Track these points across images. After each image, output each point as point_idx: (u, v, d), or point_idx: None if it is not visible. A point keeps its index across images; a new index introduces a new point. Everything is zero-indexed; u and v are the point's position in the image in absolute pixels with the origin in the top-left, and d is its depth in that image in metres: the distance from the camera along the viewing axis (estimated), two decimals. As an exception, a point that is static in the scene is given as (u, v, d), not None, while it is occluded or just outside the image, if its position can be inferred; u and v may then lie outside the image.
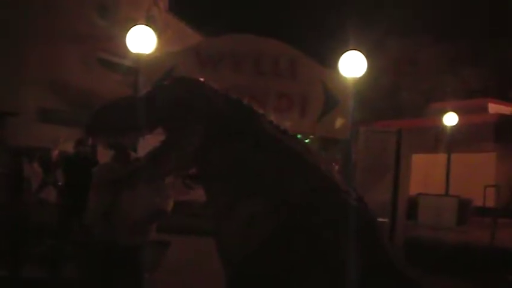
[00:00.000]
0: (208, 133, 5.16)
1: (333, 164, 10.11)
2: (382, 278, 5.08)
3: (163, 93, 5.20)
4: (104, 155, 8.87)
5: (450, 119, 22.68)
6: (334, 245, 5.00)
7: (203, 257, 8.21)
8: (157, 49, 10.50)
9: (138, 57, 10.29)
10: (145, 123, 5.09)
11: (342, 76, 10.83)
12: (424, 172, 22.49)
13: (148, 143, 5.27)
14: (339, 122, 10.88)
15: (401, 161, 11.73)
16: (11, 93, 21.16)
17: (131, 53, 10.38)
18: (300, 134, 11.36)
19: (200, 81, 5.34)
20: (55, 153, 15.19)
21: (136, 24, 10.71)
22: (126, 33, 10.36)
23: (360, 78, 11.03)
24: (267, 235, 5.05)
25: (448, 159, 21.10)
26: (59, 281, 10.98)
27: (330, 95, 10.78)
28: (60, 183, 12.07)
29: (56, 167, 13.36)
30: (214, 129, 5.18)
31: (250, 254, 5.07)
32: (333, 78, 10.88)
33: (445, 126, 22.68)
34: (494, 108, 33.49)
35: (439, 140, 24.67)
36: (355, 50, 10.99)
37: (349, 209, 5.11)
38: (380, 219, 5.68)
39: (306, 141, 12.77)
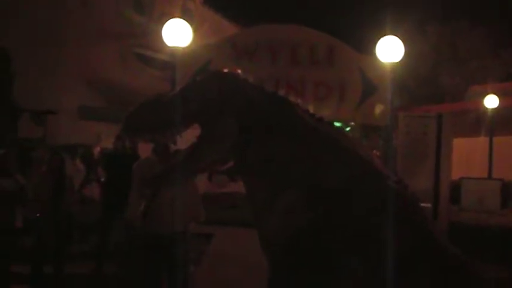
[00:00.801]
0: (244, 127, 5.18)
1: (374, 151, 10.05)
2: (428, 259, 5.08)
3: (198, 88, 5.22)
4: (145, 150, 8.92)
5: (491, 102, 22.36)
6: (377, 229, 5.00)
7: (245, 248, 8.22)
8: (193, 42, 10.48)
9: (174, 51, 10.29)
10: (180, 120, 5.11)
11: (379, 62, 10.73)
12: (466, 156, 22.24)
13: (187, 135, 5.28)
14: (378, 109, 10.79)
15: (443, 146, 11.61)
16: (51, 92, 21.35)
17: (167, 47, 10.38)
18: (339, 121, 11.32)
19: (234, 74, 5.35)
20: (97, 150, 15.33)
21: (172, 18, 10.70)
22: (162, 28, 10.37)
23: (398, 63, 10.93)
24: (306, 223, 5.08)
25: (490, 142, 20.82)
26: (102, 278, 11.08)
27: (368, 81, 10.69)
28: (102, 180, 12.15)
29: (97, 163, 13.48)
30: (250, 123, 5.19)
31: (291, 241, 5.10)
32: (370, 65, 10.78)
33: (486, 108, 22.39)
34: (536, 89, 32.96)
35: (480, 123, 24.37)
36: (392, 35, 10.89)
37: (390, 192, 5.10)
38: (423, 205, 5.65)
39: (347, 129, 12.71)
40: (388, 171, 5.37)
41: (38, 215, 10.38)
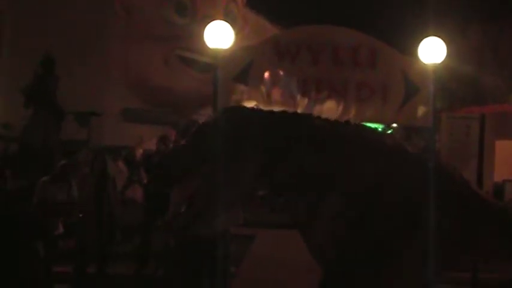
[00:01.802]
0: (266, 148, 5.28)
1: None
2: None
3: (213, 130, 5.37)
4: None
5: (535, 104, 22.09)
6: (422, 210, 5.11)
7: (286, 250, 8.25)
8: (235, 44, 10.47)
9: (216, 53, 10.30)
10: (203, 162, 5.27)
11: (421, 63, 10.65)
12: (509, 158, 21.96)
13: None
14: (420, 110, 10.72)
15: (485, 147, 11.51)
16: (96, 94, 21.57)
17: (210, 49, 10.39)
18: (382, 123, 11.27)
19: (246, 108, 5.50)
20: (139, 151, 15.43)
21: (214, 20, 10.71)
22: (204, 30, 10.39)
23: (441, 65, 10.84)
24: (352, 222, 5.17)
25: (534, 145, 20.55)
26: (144, 279, 11.16)
27: (410, 83, 10.62)
28: (145, 182, 12.22)
29: (140, 165, 13.56)
30: (271, 149, 5.30)
31: (343, 244, 5.19)
32: (412, 66, 10.70)
33: (530, 111, 22.10)
34: None
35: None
36: (435, 36, 10.80)
37: (425, 170, 5.23)
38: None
39: (389, 131, 12.62)
40: (417, 151, 5.60)
41: (80, 215, 10.48)
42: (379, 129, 10.59)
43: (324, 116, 10.48)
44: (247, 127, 5.36)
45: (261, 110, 5.47)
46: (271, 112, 5.50)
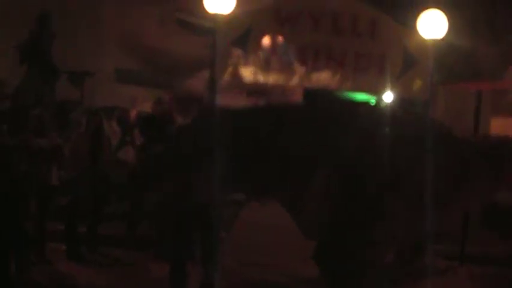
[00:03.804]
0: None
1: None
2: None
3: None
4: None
5: (531, 82, 22.07)
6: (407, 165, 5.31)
7: (276, 215, 8.28)
8: (235, 8, 10.36)
9: (215, 18, 10.20)
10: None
11: (421, 36, 10.62)
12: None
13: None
14: (417, 83, 10.72)
15: (481, 124, 11.53)
16: (88, 54, 21.40)
17: (209, 13, 10.28)
18: (378, 93, 11.27)
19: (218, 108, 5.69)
20: (133, 113, 15.37)
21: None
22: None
23: (439, 38, 10.80)
24: (342, 191, 5.31)
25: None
26: (135, 239, 11.18)
27: (409, 54, 10.60)
28: (138, 143, 12.19)
29: (133, 126, 13.51)
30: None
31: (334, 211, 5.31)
32: (412, 38, 10.68)
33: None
34: None
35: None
36: (435, 8, 10.75)
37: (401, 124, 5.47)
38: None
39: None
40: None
41: (74, 174, 10.46)
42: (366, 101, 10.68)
43: (320, 84, 10.58)
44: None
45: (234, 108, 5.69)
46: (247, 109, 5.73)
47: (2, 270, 8.44)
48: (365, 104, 8.00)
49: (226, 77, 10.53)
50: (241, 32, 10.28)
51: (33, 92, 16.74)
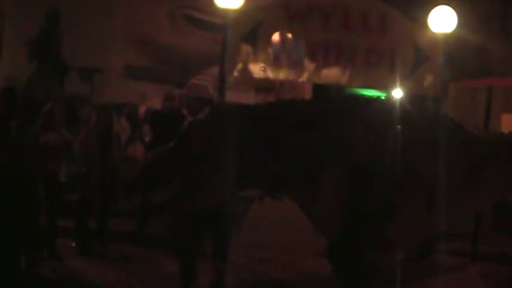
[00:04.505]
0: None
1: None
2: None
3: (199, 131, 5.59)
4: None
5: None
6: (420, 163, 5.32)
7: (287, 211, 8.28)
8: (245, 3, 10.32)
9: (225, 13, 10.16)
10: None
11: (431, 32, 10.59)
12: (514, 132, 21.94)
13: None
14: (428, 79, 10.68)
15: (491, 120, 11.48)
16: (98, 50, 21.38)
17: (219, 8, 10.25)
18: (389, 90, 11.23)
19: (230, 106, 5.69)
20: (142, 109, 15.36)
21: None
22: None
23: (450, 34, 10.77)
24: (353, 189, 5.29)
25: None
26: (145, 235, 11.17)
27: (420, 51, 10.57)
28: (147, 139, 12.18)
29: (143, 123, 13.51)
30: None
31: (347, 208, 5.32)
32: (422, 34, 10.65)
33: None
34: None
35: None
36: (446, 5, 10.72)
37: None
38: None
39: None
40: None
41: (84, 170, 10.45)
42: (378, 97, 10.64)
43: (330, 81, 10.55)
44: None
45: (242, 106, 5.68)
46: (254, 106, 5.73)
47: (12, 266, 8.44)
48: (376, 99, 7.96)
49: (236, 73, 10.53)
50: (250, 27, 10.26)
51: (42, 88, 16.74)
